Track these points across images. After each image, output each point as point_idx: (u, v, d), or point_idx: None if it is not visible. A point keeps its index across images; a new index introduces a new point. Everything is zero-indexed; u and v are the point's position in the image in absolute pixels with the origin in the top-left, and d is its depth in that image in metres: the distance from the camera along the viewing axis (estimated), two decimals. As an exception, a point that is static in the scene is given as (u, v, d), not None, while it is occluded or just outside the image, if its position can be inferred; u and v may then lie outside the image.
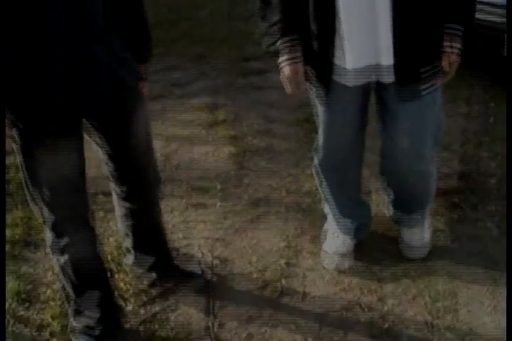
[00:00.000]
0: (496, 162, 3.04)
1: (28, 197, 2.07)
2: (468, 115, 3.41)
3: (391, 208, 2.58)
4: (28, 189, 2.03)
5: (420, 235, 2.51)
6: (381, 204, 2.61)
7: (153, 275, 2.46)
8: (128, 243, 2.45)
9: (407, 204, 2.49)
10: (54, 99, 1.87)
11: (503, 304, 2.33)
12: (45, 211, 2.05)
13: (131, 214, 2.32)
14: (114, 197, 2.33)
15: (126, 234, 2.42)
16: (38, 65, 1.82)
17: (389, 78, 2.07)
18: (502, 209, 2.70)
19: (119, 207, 2.34)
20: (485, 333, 2.23)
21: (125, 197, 2.28)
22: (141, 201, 2.29)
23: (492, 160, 3.06)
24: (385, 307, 2.36)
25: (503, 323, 2.25)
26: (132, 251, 2.46)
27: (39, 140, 1.92)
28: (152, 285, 2.46)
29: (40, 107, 1.87)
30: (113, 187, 2.28)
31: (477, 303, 2.34)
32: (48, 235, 2.13)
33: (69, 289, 2.21)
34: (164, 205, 2.75)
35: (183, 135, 3.43)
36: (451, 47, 2.01)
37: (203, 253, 2.63)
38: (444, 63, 2.04)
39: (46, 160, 1.94)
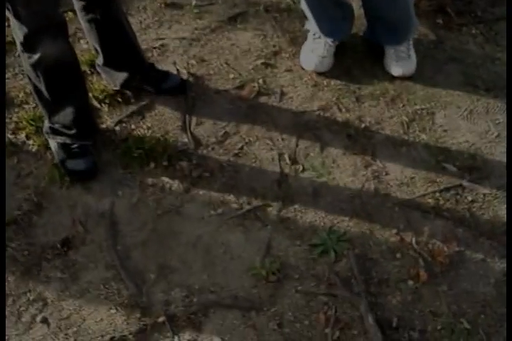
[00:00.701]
0: None
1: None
2: None
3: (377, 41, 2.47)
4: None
5: (405, 67, 2.42)
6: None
7: (127, 73, 2.37)
8: (98, 61, 2.37)
9: (390, 35, 2.38)
10: None
11: (480, 109, 2.34)
12: (16, 23, 1.91)
13: (96, 26, 2.20)
14: (78, 11, 2.19)
15: (96, 51, 2.32)
16: None
17: None
18: (487, 33, 2.61)
19: (83, 21, 2.22)
20: (459, 136, 2.26)
21: (86, 7, 2.14)
22: (102, 10, 2.16)
23: None
24: (363, 109, 2.35)
25: (477, 127, 2.29)
26: (103, 70, 2.38)
27: None
28: (127, 85, 2.39)
29: None
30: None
31: (454, 107, 2.35)
32: (21, 53, 2.02)
33: (43, 109, 2.16)
34: (136, 26, 2.61)
35: None
36: None
37: (178, 69, 2.51)
38: None
39: None
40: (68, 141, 2.19)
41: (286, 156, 2.23)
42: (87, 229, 2.08)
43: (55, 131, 2.20)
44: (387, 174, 2.17)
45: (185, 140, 2.28)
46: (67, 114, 2.16)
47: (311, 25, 2.43)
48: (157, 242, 2.04)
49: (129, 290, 1.94)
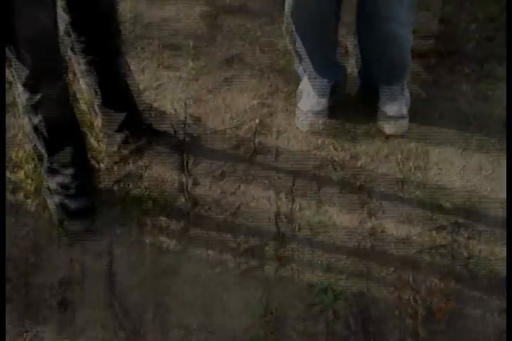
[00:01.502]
0: (476, 25, 2.89)
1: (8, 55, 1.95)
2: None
3: (370, 81, 2.50)
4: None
5: (399, 107, 2.42)
6: (356, 66, 2.52)
7: (124, 134, 2.40)
8: (97, 101, 2.38)
9: (384, 75, 2.41)
10: None
11: (473, 146, 2.37)
12: (18, 65, 1.94)
13: (95, 68, 2.24)
14: (78, 53, 2.24)
15: (94, 92, 2.34)
16: None
17: None
18: (478, 71, 2.65)
19: (82, 63, 2.26)
20: (454, 173, 2.28)
21: (86, 49, 2.19)
22: (102, 51, 2.21)
23: (472, 22, 2.90)
24: (357, 165, 2.35)
25: (472, 164, 2.31)
26: (102, 110, 2.40)
27: None
28: (125, 143, 2.41)
29: None
30: (73, 41, 2.19)
31: (448, 145, 2.37)
32: (21, 93, 2.05)
33: (42, 148, 2.16)
34: (135, 66, 2.63)
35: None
36: None
37: (175, 109, 2.54)
38: None
39: (21, 11, 1.84)
40: (67, 180, 2.21)
41: (282, 195, 2.24)
42: (84, 289, 2.06)
43: (53, 171, 2.22)
44: (383, 213, 2.18)
45: (183, 199, 2.28)
46: (66, 171, 2.19)
47: (306, 84, 2.46)
48: (154, 303, 2.02)
49: (126, 331, 1.93)
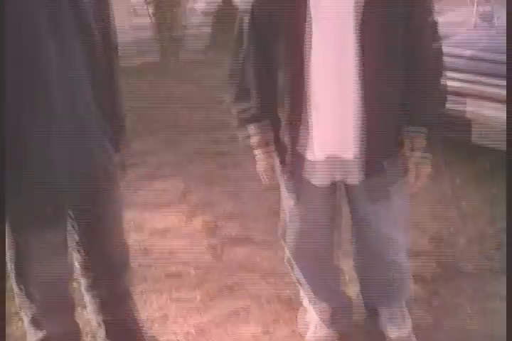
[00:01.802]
0: (466, 242, 3.06)
1: (16, 290, 2.03)
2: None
3: (370, 302, 2.51)
4: (16, 283, 2.01)
5: (399, 329, 2.42)
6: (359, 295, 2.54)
7: None
8: (101, 334, 2.38)
9: (383, 296, 2.43)
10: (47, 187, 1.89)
11: None
12: (26, 302, 2.01)
13: (101, 303, 2.27)
14: (83, 287, 2.28)
15: (99, 324, 2.35)
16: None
17: (353, 178, 2.10)
18: (483, 294, 2.70)
19: (88, 297, 2.30)
20: None
21: (92, 284, 2.24)
22: (108, 287, 2.25)
23: (461, 238, 3.07)
24: None
25: None
26: None
27: (29, 233, 1.93)
28: None
29: (33, 194, 1.89)
30: (81, 276, 2.25)
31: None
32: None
33: None
34: (138, 296, 2.65)
35: (160, 228, 3.38)
36: (413, 149, 2.07)
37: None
38: (411, 169, 2.09)
39: (35, 255, 1.96)
40: None
41: None
42: None
43: None
44: None
45: None
46: None
47: (306, 292, 2.46)
48: None
49: None
